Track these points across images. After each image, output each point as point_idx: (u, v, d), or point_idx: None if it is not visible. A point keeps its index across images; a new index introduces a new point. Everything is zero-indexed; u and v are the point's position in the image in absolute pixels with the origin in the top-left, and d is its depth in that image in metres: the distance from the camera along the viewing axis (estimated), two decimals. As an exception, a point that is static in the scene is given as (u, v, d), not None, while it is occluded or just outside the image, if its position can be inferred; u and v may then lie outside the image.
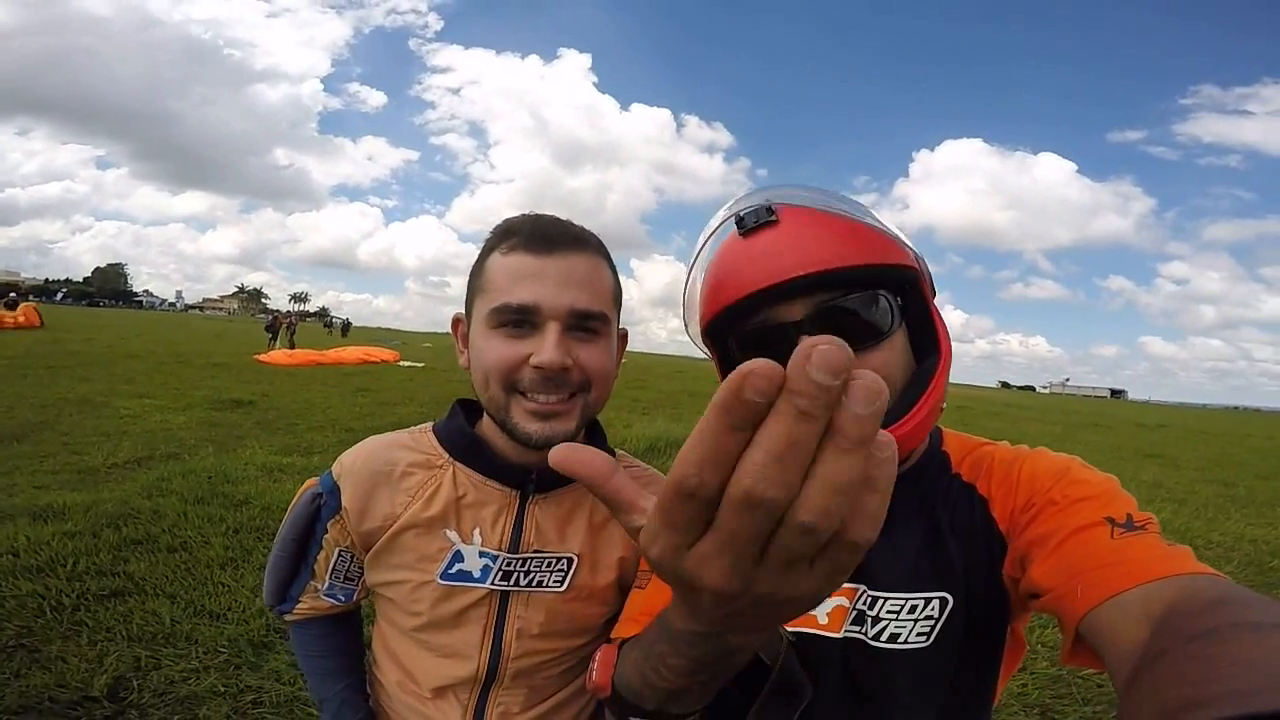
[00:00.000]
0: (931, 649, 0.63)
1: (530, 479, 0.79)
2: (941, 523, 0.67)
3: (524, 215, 0.78)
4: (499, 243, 0.75)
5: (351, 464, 0.81)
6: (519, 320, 0.71)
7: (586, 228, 0.78)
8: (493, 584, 0.77)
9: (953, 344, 0.68)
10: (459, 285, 0.92)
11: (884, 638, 0.64)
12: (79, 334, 20.66)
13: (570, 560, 0.79)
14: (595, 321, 0.74)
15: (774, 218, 0.65)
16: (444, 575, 0.77)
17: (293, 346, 21.39)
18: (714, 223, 0.71)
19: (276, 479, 4.71)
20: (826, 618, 0.66)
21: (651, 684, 0.50)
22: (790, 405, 0.21)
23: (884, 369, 0.63)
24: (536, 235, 0.73)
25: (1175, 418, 36.82)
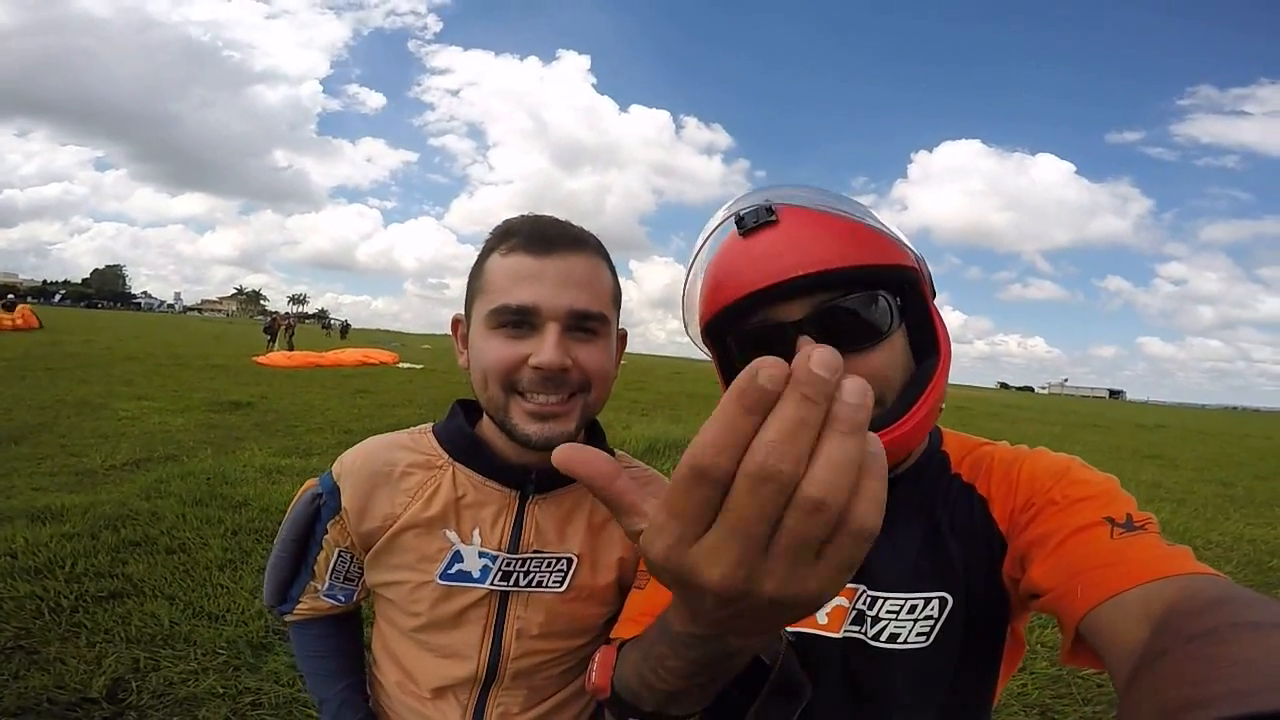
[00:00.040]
0: (931, 649, 0.63)
1: (530, 479, 0.79)
2: (941, 522, 0.67)
3: (523, 216, 0.78)
4: (498, 243, 0.75)
5: (351, 464, 0.81)
6: (518, 321, 0.71)
7: (586, 229, 0.78)
8: (492, 584, 0.77)
9: (951, 345, 0.68)
10: (458, 287, 0.92)
11: (884, 637, 0.64)
12: (77, 336, 20.64)
13: (570, 560, 0.79)
14: (594, 322, 0.74)
15: (774, 218, 0.65)
16: (443, 575, 0.77)
17: (291, 348, 21.38)
18: (713, 222, 0.71)
19: (275, 481, 4.70)
20: (826, 617, 0.66)
21: (650, 685, 0.50)
22: (797, 392, 0.25)
23: (883, 369, 0.63)
24: (536, 236, 0.73)
25: (1174, 418, 36.87)
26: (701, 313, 0.71)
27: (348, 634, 0.92)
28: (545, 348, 0.70)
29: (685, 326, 0.77)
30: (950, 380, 0.68)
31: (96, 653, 2.34)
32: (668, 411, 11.62)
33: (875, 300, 0.64)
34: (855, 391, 0.25)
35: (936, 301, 0.71)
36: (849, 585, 0.66)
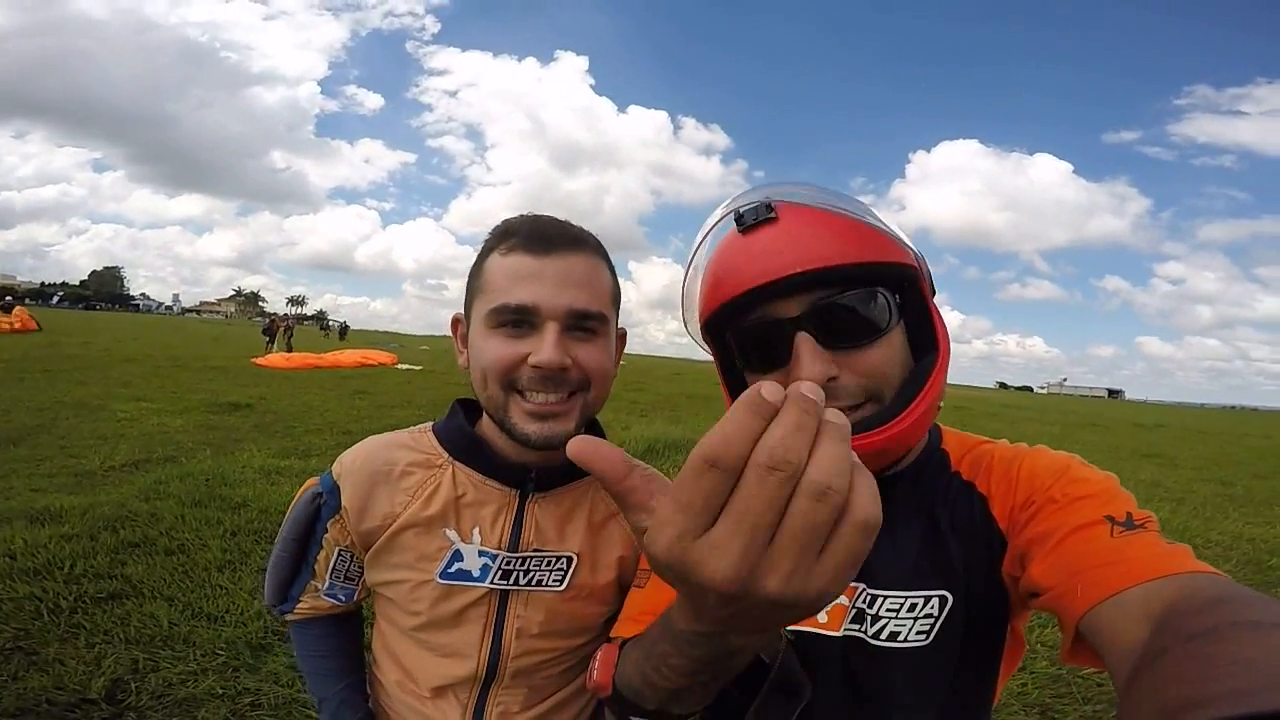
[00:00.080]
0: (931, 647, 0.63)
1: (529, 478, 0.79)
2: (941, 521, 0.67)
3: (523, 216, 0.78)
4: (498, 243, 0.75)
5: (351, 463, 0.81)
6: (518, 320, 0.71)
7: (585, 228, 0.78)
8: (492, 583, 0.77)
9: (950, 345, 0.68)
10: (456, 288, 0.92)
11: (884, 636, 0.64)
12: (76, 337, 20.62)
13: (570, 559, 0.79)
14: (594, 321, 0.74)
15: (773, 215, 0.65)
16: (443, 574, 0.77)
17: (290, 350, 21.37)
18: (713, 219, 0.71)
19: (274, 482, 4.70)
20: (826, 616, 0.66)
21: (653, 684, 0.50)
22: (796, 405, 0.28)
23: (881, 365, 0.63)
24: (535, 236, 0.73)
25: (1173, 417, 36.91)
26: (701, 310, 0.71)
27: (348, 634, 0.92)
28: (545, 347, 0.70)
29: (685, 324, 0.77)
30: (949, 380, 0.68)
31: (95, 654, 2.34)
32: (667, 412, 11.62)
33: (874, 297, 0.64)
34: (836, 413, 0.29)
35: (935, 300, 0.71)
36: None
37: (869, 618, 0.65)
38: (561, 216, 0.79)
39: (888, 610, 0.64)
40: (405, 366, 18.95)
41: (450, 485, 0.79)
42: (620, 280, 0.83)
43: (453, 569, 0.77)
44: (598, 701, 0.83)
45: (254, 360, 15.99)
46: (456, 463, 0.80)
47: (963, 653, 0.64)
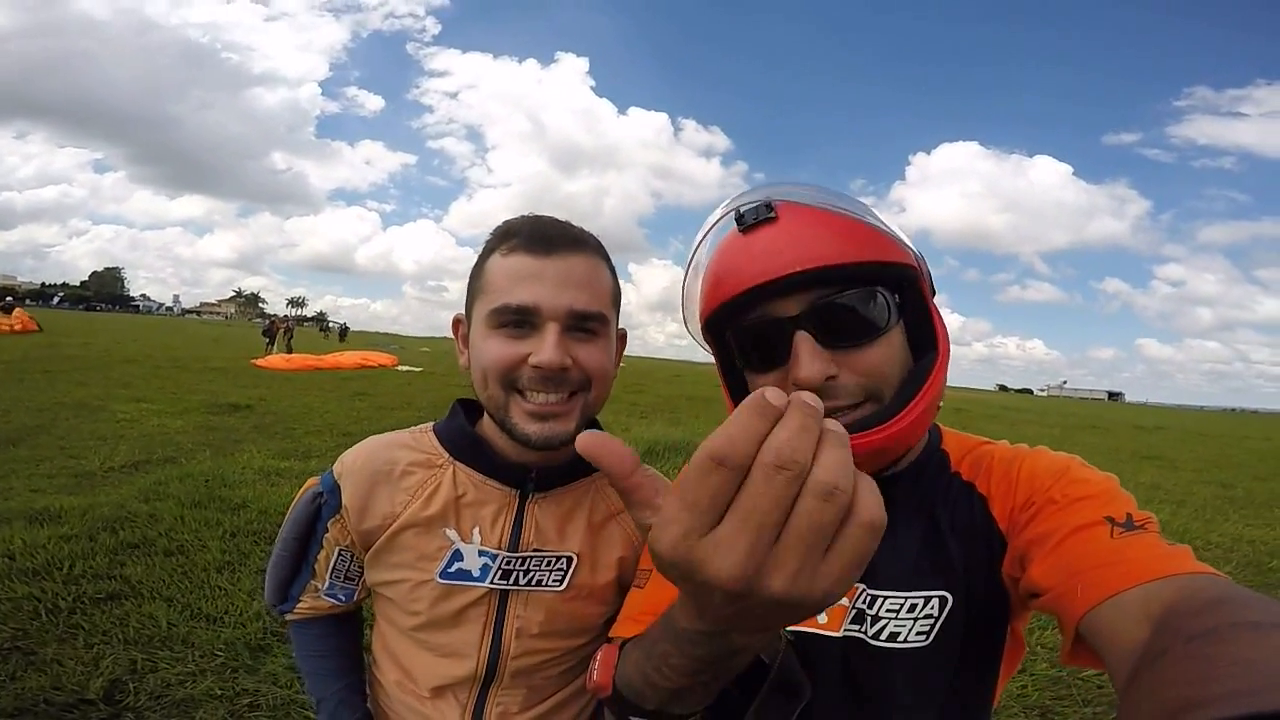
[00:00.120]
0: (931, 648, 0.63)
1: (530, 478, 0.79)
2: (941, 521, 0.67)
3: (524, 217, 0.78)
4: (499, 244, 0.75)
5: (352, 463, 0.81)
6: (519, 321, 0.71)
7: (586, 229, 0.78)
8: (492, 583, 0.77)
9: (950, 347, 0.68)
10: (457, 289, 0.92)
11: (884, 636, 0.64)
12: (76, 338, 20.62)
13: (570, 559, 0.79)
14: (594, 322, 0.74)
15: (773, 214, 0.65)
16: (443, 574, 0.77)
17: (290, 351, 21.37)
18: (713, 219, 0.71)
19: (274, 483, 4.70)
20: (826, 616, 0.66)
21: (653, 683, 0.50)
22: (799, 409, 0.28)
23: (880, 364, 0.63)
24: (536, 236, 0.73)
25: (1173, 420, 36.90)
26: (701, 309, 0.72)
27: (348, 634, 0.92)
28: (545, 347, 0.70)
29: (685, 323, 0.77)
30: (949, 381, 0.68)
31: (94, 654, 2.34)
32: (667, 414, 11.63)
33: (873, 297, 0.64)
34: (834, 423, 0.29)
35: (935, 302, 0.71)
36: None
37: (869, 618, 0.65)
38: (562, 218, 0.79)
39: (888, 611, 0.64)
40: (405, 368, 18.96)
41: (450, 485, 0.79)
42: (620, 282, 0.83)
43: (453, 569, 0.77)
44: (598, 702, 0.83)
45: (254, 361, 16.00)
46: (457, 463, 0.80)
47: (963, 653, 0.64)
